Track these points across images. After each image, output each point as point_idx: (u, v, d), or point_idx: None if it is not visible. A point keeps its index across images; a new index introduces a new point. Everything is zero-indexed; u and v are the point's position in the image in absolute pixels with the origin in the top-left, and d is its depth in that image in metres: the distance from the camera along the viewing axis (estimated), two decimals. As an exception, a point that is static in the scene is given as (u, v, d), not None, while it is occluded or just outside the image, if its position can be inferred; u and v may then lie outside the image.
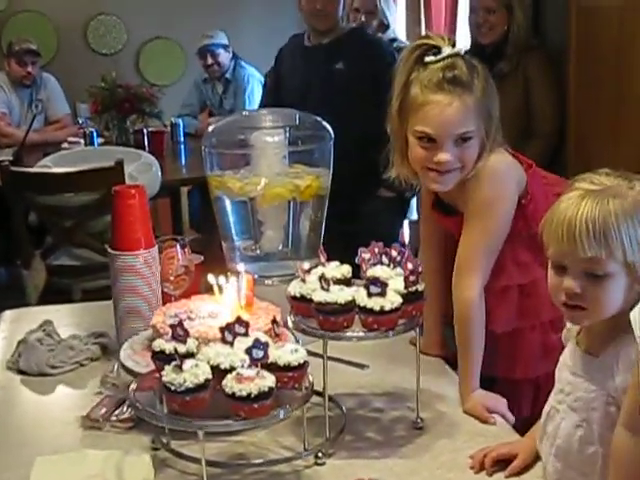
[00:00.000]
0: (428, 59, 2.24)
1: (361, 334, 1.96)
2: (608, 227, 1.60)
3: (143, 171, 4.80)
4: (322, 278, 1.95)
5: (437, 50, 2.24)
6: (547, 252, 1.74)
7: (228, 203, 2.58)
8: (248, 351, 1.70)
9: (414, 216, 5.47)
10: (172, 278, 2.50)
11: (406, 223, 5.87)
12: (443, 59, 2.22)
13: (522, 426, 2.10)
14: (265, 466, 1.96)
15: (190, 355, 1.76)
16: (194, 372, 1.68)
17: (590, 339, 1.78)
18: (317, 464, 1.95)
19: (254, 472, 1.94)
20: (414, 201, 5.08)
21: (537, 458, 1.91)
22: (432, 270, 2.53)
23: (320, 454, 1.96)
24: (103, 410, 2.19)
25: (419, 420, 2.11)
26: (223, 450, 2.01)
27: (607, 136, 3.72)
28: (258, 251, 2.62)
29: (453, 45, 2.25)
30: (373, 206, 4.50)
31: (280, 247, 2.61)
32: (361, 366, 2.35)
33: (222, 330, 1.79)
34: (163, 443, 2.02)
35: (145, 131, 6.27)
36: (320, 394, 2.02)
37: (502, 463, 1.92)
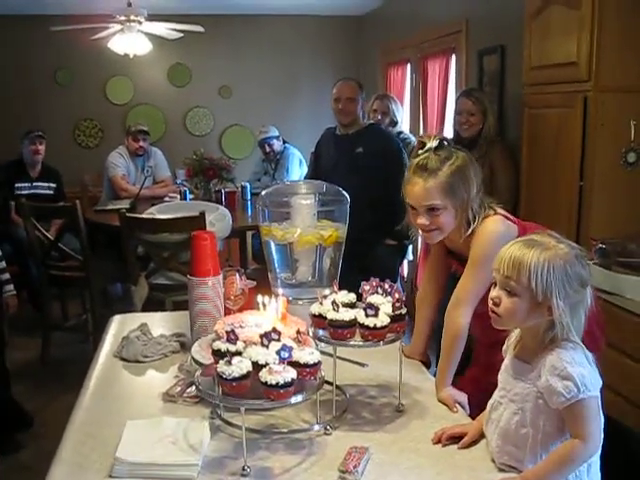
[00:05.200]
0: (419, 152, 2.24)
1: (360, 343, 1.96)
2: (524, 262, 1.67)
3: (219, 219, 4.81)
4: (334, 302, 1.96)
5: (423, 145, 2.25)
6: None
7: (273, 246, 2.57)
8: (277, 352, 1.71)
9: (410, 257, 5.46)
10: (232, 297, 2.50)
11: (405, 263, 5.85)
12: (423, 152, 2.23)
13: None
14: (288, 434, 1.95)
15: (238, 353, 1.76)
16: (239, 365, 1.68)
17: (524, 351, 1.79)
18: (326, 434, 1.94)
19: (280, 438, 1.93)
20: (410, 247, 5.08)
21: (481, 437, 1.89)
22: (429, 300, 2.52)
23: (328, 427, 1.95)
24: (178, 389, 2.19)
25: (400, 405, 2.09)
26: (260, 421, 2.00)
27: (548, 203, 3.70)
28: (294, 280, 2.59)
29: (439, 142, 2.22)
30: (381, 250, 4.49)
31: (310, 278, 2.59)
32: (362, 364, 2.34)
33: (261, 336, 1.79)
34: (218, 414, 2.02)
35: (223, 191, 6.26)
36: (331, 384, 2.01)
37: (457, 439, 1.89)
